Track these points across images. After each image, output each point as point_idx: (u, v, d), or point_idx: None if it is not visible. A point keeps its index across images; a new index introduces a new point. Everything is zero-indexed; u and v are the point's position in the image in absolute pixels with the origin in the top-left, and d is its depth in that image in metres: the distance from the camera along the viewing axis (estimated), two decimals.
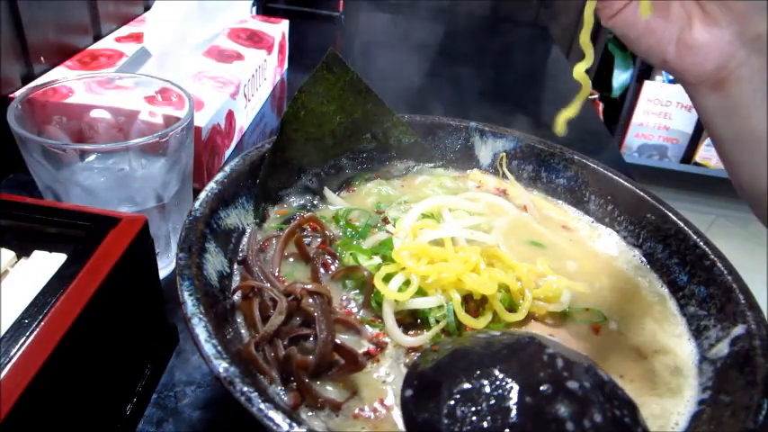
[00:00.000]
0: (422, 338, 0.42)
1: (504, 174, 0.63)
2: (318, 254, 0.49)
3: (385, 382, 0.40)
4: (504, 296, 0.45)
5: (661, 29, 0.47)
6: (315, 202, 0.57)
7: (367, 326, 0.44)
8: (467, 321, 0.43)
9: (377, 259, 0.48)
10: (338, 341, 0.39)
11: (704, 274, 0.48)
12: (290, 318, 0.41)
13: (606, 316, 0.48)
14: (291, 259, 0.49)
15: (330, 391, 0.39)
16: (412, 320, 0.44)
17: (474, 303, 0.45)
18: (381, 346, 0.42)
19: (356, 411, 0.38)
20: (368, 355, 0.41)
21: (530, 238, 0.56)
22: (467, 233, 0.51)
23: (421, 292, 0.44)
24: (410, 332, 0.43)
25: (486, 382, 0.34)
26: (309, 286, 0.42)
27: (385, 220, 0.54)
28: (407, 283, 0.44)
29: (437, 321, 0.43)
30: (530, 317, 0.46)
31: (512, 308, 0.46)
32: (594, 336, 0.46)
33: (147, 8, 1.02)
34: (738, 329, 0.43)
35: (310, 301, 0.41)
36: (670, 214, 0.53)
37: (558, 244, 0.56)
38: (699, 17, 0.46)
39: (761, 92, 0.45)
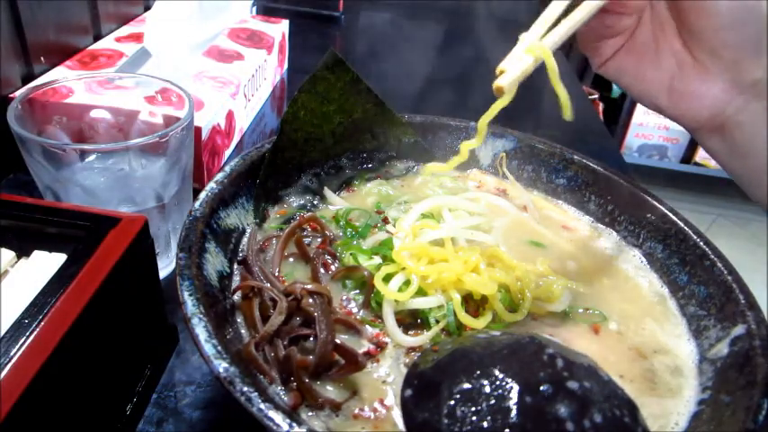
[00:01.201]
0: (422, 338, 0.42)
1: (503, 174, 0.63)
2: (318, 254, 0.49)
3: (385, 382, 0.40)
4: (503, 296, 0.45)
5: (651, 77, 0.46)
6: (315, 202, 0.57)
7: (367, 326, 0.44)
8: (467, 321, 0.43)
9: (377, 259, 0.48)
10: (338, 341, 0.39)
11: (704, 274, 0.48)
12: (291, 318, 0.41)
13: (606, 316, 0.48)
14: (291, 259, 0.49)
15: (330, 391, 0.39)
16: (412, 320, 0.44)
17: (474, 303, 0.45)
18: (381, 346, 0.42)
19: (356, 411, 0.38)
20: (368, 355, 0.41)
21: (530, 238, 0.56)
22: (467, 233, 0.51)
23: (421, 292, 0.44)
24: (410, 332, 0.43)
25: (486, 382, 0.34)
26: (309, 286, 0.42)
27: (385, 220, 0.54)
28: (407, 283, 0.44)
29: (437, 321, 0.43)
30: (530, 317, 0.46)
31: (512, 308, 0.46)
32: (594, 336, 0.46)
33: (147, 8, 1.02)
34: (738, 329, 0.43)
35: (310, 301, 0.41)
36: (670, 214, 0.53)
37: (557, 244, 0.56)
38: (690, 66, 0.44)
39: (764, 135, 0.44)
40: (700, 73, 0.44)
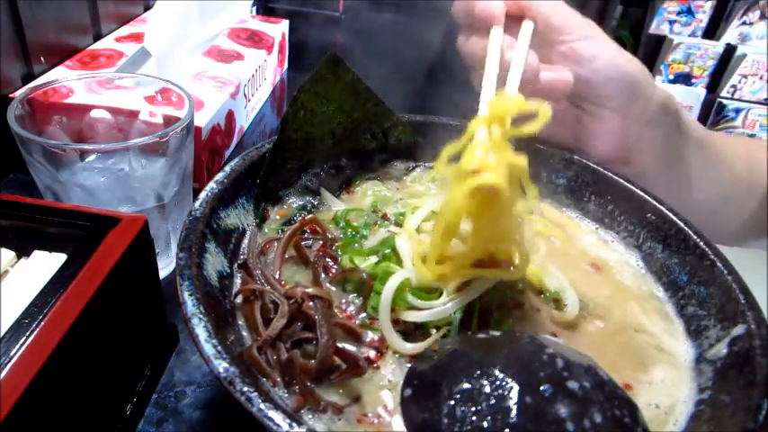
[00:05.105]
0: (420, 346, 0.41)
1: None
2: (319, 257, 0.48)
3: (386, 386, 0.40)
4: (498, 292, 0.45)
5: (555, 129, 0.56)
6: (315, 203, 0.57)
7: (368, 330, 0.43)
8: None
9: (372, 259, 0.48)
10: (339, 345, 0.39)
11: (704, 274, 0.48)
12: (292, 321, 0.41)
13: (602, 314, 0.48)
14: (292, 262, 0.49)
15: (332, 394, 0.39)
16: (412, 327, 0.43)
17: (479, 318, 0.44)
18: (382, 352, 0.42)
19: (358, 415, 0.38)
20: (368, 360, 0.41)
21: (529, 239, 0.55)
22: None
23: (423, 294, 0.44)
24: (410, 337, 0.42)
25: (486, 382, 0.34)
26: (310, 290, 0.42)
27: (384, 217, 0.54)
28: (407, 284, 0.44)
29: (438, 329, 0.43)
30: (530, 317, 0.46)
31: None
32: (595, 337, 0.46)
33: (147, 8, 1.02)
34: (738, 329, 0.43)
35: (311, 304, 0.41)
36: (670, 214, 0.53)
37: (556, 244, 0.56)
38: (583, 117, 0.57)
39: (661, 159, 0.58)
40: (593, 119, 0.57)
